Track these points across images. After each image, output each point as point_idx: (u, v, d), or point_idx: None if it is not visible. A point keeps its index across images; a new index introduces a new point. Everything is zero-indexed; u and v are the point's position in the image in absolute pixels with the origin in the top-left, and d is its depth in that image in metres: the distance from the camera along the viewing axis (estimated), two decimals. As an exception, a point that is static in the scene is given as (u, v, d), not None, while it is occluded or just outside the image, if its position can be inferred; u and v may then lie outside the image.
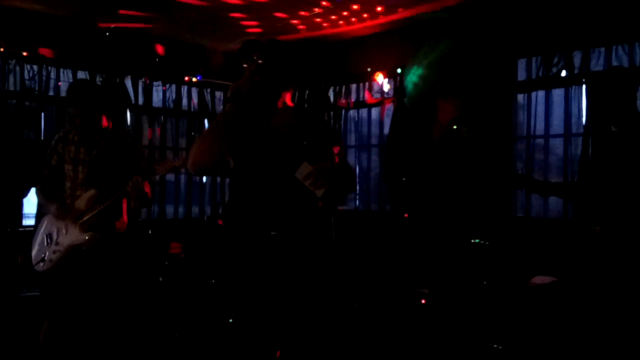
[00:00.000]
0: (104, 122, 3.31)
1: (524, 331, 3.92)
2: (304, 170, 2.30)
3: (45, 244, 3.26)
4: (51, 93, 5.39)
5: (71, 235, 3.21)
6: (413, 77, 5.56)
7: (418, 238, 5.30)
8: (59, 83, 5.46)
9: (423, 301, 4.39)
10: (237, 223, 2.45)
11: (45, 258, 3.23)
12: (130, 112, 5.75)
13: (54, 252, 3.22)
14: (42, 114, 5.32)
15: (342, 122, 6.15)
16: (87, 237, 3.19)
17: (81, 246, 3.19)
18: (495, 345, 3.89)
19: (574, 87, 4.63)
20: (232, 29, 5.41)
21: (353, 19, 5.30)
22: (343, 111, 6.13)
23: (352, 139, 6.23)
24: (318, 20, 5.27)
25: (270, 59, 2.37)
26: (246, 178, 2.46)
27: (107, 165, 3.29)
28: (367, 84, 5.90)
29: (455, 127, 5.17)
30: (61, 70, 5.45)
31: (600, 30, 4.42)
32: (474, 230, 5.03)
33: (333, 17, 5.18)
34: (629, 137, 2.79)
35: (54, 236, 3.25)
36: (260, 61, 2.34)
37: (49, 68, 5.37)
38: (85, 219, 3.20)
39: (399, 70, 5.60)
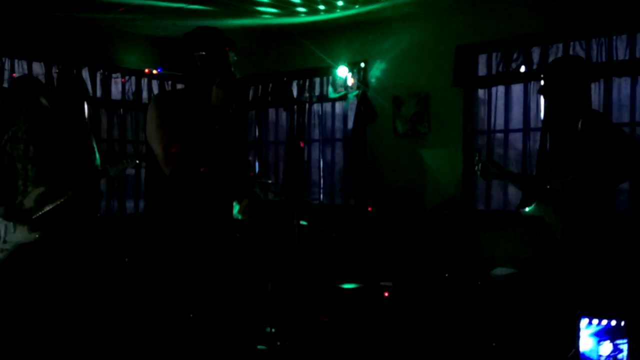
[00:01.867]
0: (51, 117, 3.22)
1: (485, 322, 3.99)
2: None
3: None
4: (5, 85, 5.22)
5: (19, 234, 3.12)
6: (376, 71, 5.59)
7: (381, 231, 5.35)
8: (14, 75, 5.28)
9: (386, 294, 4.43)
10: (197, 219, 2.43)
11: None
12: (87, 104, 5.60)
13: (1, 250, 3.13)
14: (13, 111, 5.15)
15: (306, 116, 6.14)
16: (36, 236, 3.11)
17: (29, 245, 3.11)
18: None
19: (532, 82, 4.73)
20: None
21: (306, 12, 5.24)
22: (307, 105, 6.11)
23: (316, 133, 6.22)
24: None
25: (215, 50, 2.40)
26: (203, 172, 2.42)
27: (57, 162, 3.21)
28: (330, 77, 5.90)
29: (413, 121, 5.25)
30: (16, 61, 5.27)
31: (558, 27, 4.52)
32: (435, 224, 5.10)
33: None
34: (584, 132, 2.85)
35: (2, 234, 3.16)
36: (202, 53, 2.37)
37: (3, 59, 5.19)
38: (34, 217, 3.12)
39: (362, 64, 5.61)
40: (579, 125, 2.85)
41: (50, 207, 3.13)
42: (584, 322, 2.72)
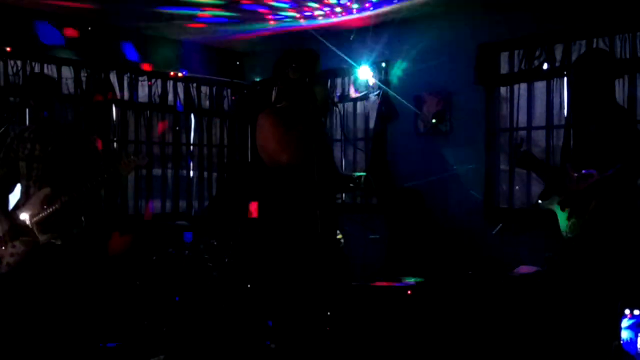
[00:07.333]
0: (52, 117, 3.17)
1: (509, 321, 3.99)
2: None
3: (2, 246, 3.10)
4: (36, 89, 5.36)
5: (28, 237, 3.07)
6: (397, 71, 5.61)
7: (403, 230, 5.37)
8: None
9: (409, 292, 4.45)
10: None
11: (3, 261, 3.08)
12: (115, 107, 5.73)
13: (12, 254, 3.07)
14: (27, 109, 5.29)
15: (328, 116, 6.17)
16: (45, 238, 3.06)
17: (39, 247, 3.06)
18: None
19: (555, 79, 4.71)
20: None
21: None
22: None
23: (337, 133, 6.27)
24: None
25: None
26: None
27: (63, 162, 3.15)
28: (352, 78, 5.93)
29: (434, 120, 5.24)
30: (45, 65, 5.42)
31: (581, 24, 4.49)
32: (457, 222, 5.10)
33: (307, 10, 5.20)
34: (607, 129, 2.84)
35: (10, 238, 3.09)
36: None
37: (33, 63, 5.33)
38: (41, 218, 3.06)
39: (383, 65, 5.64)
40: (600, 122, 2.84)
41: (56, 208, 3.06)
42: (625, 313, 2.68)
